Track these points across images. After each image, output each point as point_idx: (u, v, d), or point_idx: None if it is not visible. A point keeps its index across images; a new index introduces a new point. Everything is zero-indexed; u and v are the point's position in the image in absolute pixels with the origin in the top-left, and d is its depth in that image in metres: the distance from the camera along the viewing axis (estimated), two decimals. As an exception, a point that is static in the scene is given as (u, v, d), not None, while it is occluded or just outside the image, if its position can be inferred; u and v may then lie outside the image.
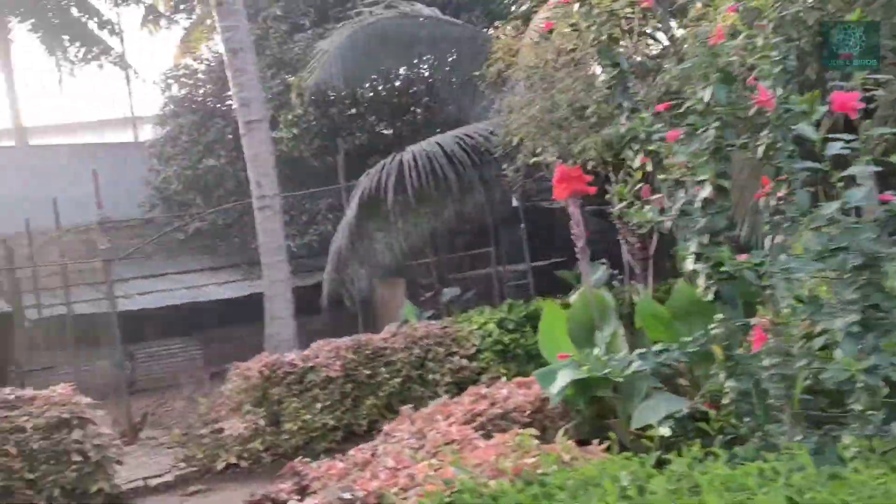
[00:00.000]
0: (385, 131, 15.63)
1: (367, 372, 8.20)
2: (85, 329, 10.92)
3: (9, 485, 6.24)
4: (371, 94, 15.29)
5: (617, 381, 4.20)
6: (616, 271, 5.81)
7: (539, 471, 2.87)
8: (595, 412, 4.73)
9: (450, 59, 14.06)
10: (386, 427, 4.75)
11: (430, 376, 8.55)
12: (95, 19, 20.49)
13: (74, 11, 20.43)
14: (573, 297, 5.21)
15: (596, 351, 4.37)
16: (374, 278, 12.08)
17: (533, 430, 3.59)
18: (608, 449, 3.51)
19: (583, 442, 3.88)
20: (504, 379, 5.65)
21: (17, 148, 19.20)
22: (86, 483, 6.60)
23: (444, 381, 8.54)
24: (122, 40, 21.77)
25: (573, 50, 7.15)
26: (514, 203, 11.69)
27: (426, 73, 15.54)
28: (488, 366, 8.78)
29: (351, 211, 10.96)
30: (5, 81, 20.70)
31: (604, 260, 5.89)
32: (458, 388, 8.31)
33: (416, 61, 14.67)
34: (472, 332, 9.02)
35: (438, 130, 11.92)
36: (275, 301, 10.38)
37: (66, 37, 20.53)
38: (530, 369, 8.73)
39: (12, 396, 6.84)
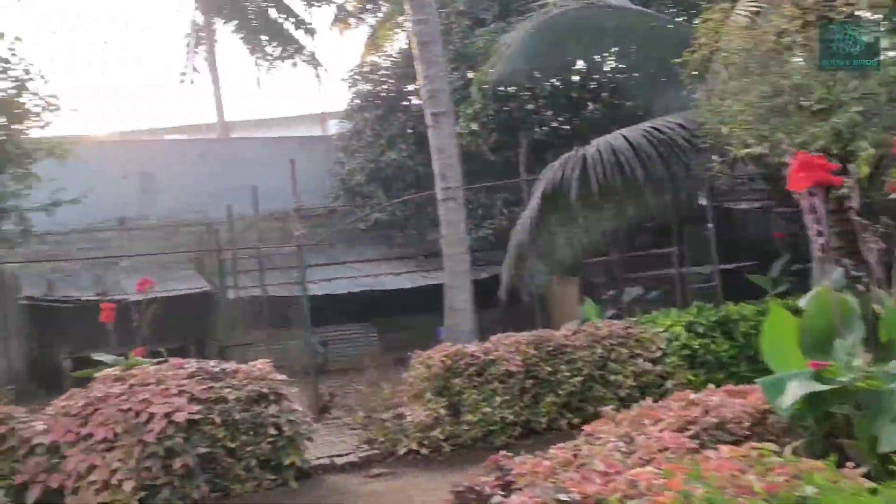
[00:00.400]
0: (563, 126, 15.34)
1: (548, 369, 8.00)
2: (278, 310, 11.57)
3: (213, 452, 6.52)
4: (550, 88, 15.05)
5: (861, 397, 3.69)
6: (863, 274, 5.18)
7: (796, 493, 2.52)
8: (824, 430, 4.20)
9: (636, 50, 13.48)
10: (587, 427, 4.51)
11: (612, 377, 8.22)
12: (291, 20, 21.88)
13: (273, 13, 21.92)
14: (803, 302, 4.68)
15: (856, 361, 3.86)
16: (551, 274, 11.84)
17: (770, 445, 3.21)
18: (867, 474, 3.05)
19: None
20: (712, 386, 5.21)
21: (221, 141, 20.85)
22: (280, 456, 6.83)
23: (626, 384, 8.18)
24: (313, 39, 23.12)
25: (782, 32, 6.50)
26: (702, 201, 10.99)
27: (607, 67, 15.05)
28: (674, 371, 8.33)
29: (532, 205, 10.77)
30: (211, 80, 22.59)
31: (846, 261, 5.28)
32: (641, 391, 7.93)
33: (601, 54, 14.21)
34: (657, 334, 8.58)
35: (618, 125, 11.46)
36: (455, 292, 10.41)
37: (264, 37, 22.08)
38: (721, 377, 8.19)
39: (217, 369, 7.20)
